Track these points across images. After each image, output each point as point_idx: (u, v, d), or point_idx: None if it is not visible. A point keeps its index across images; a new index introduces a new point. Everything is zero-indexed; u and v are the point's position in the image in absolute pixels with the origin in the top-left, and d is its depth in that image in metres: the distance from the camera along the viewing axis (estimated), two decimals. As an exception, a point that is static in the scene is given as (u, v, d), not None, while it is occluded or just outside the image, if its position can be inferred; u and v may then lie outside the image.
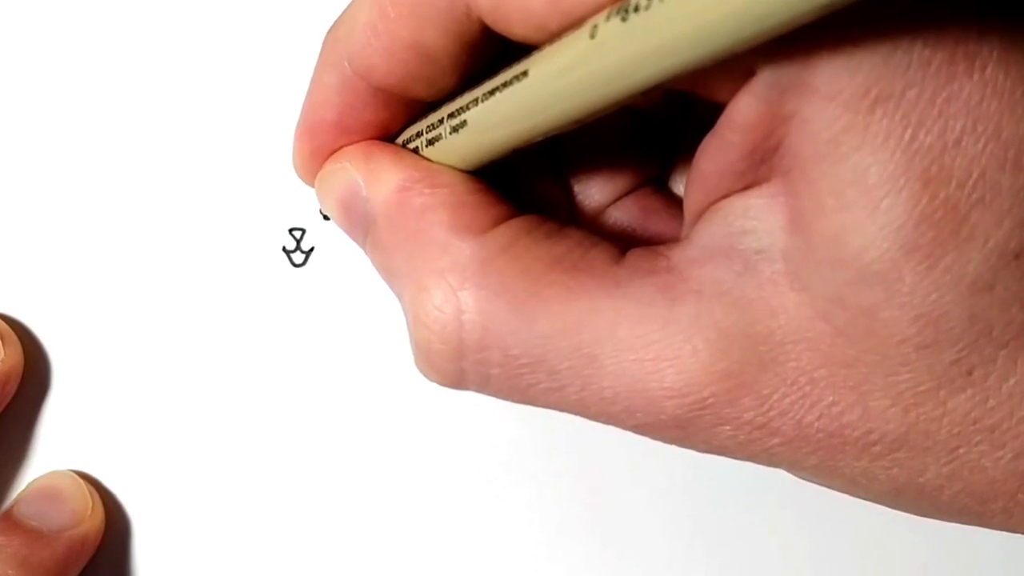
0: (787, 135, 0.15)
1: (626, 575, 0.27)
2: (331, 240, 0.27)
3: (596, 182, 0.21)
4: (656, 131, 0.21)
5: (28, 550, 0.25)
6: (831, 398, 0.15)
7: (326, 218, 0.27)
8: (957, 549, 0.27)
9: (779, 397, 0.15)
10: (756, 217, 0.16)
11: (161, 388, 0.27)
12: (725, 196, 0.16)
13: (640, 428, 0.17)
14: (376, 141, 0.19)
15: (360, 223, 0.19)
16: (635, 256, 0.17)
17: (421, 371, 0.18)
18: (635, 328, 0.16)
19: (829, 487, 0.17)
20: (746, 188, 0.16)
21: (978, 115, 0.14)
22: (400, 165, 0.18)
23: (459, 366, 0.17)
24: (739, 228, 0.16)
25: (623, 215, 0.21)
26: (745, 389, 0.15)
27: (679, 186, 0.21)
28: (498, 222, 0.17)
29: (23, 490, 0.27)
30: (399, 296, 0.18)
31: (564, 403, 0.17)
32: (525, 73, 0.16)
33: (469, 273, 0.17)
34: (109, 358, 0.27)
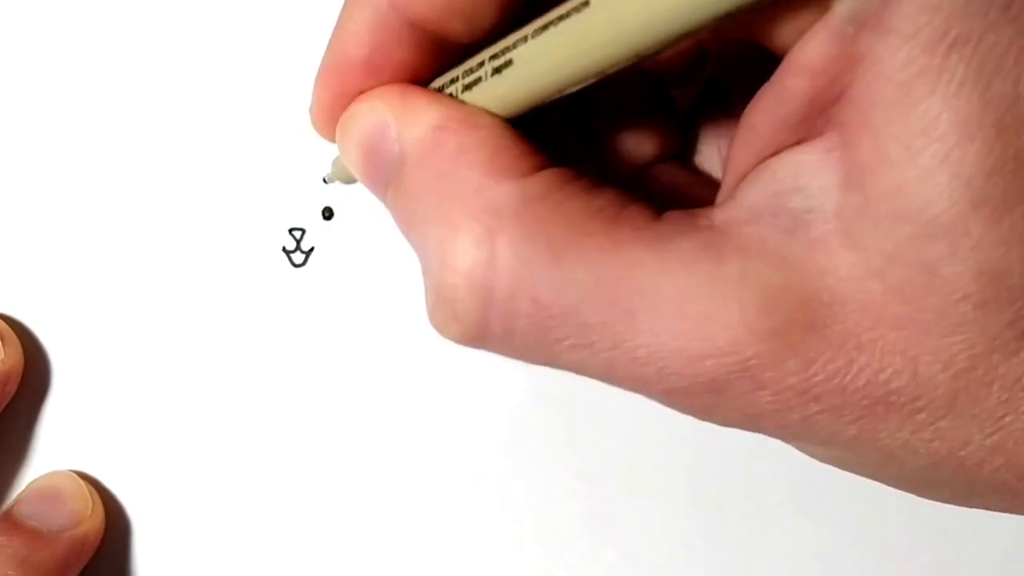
0: (854, 81, 0.14)
1: (626, 574, 0.27)
2: (331, 240, 0.27)
3: (624, 146, 0.20)
4: (678, 107, 0.21)
5: (28, 550, 0.25)
6: (879, 363, 0.15)
7: (327, 218, 0.27)
8: (958, 549, 0.27)
9: (824, 361, 0.15)
10: (807, 174, 0.15)
11: (161, 388, 0.27)
12: (774, 154, 0.16)
13: (670, 393, 0.16)
14: (410, 84, 0.18)
15: (385, 168, 0.18)
16: (674, 216, 0.16)
17: (438, 325, 0.17)
18: (678, 283, 0.15)
19: (857, 467, 0.16)
20: (798, 143, 0.15)
21: None
22: (437, 105, 0.17)
23: (485, 315, 0.16)
24: (788, 186, 0.15)
25: (650, 184, 0.20)
26: (790, 351, 0.15)
27: (703, 163, 0.21)
28: (536, 169, 0.16)
29: (23, 490, 0.27)
30: (421, 244, 0.17)
31: (591, 362, 0.16)
32: (586, 3, 0.15)
33: (506, 216, 0.16)
34: (109, 358, 0.27)
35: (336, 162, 0.25)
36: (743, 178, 0.16)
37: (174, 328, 0.27)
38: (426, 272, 0.17)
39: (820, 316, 0.15)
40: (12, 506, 0.26)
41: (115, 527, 0.27)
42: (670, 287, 0.15)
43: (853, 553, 0.27)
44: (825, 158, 0.15)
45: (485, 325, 0.16)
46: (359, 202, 0.27)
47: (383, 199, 0.18)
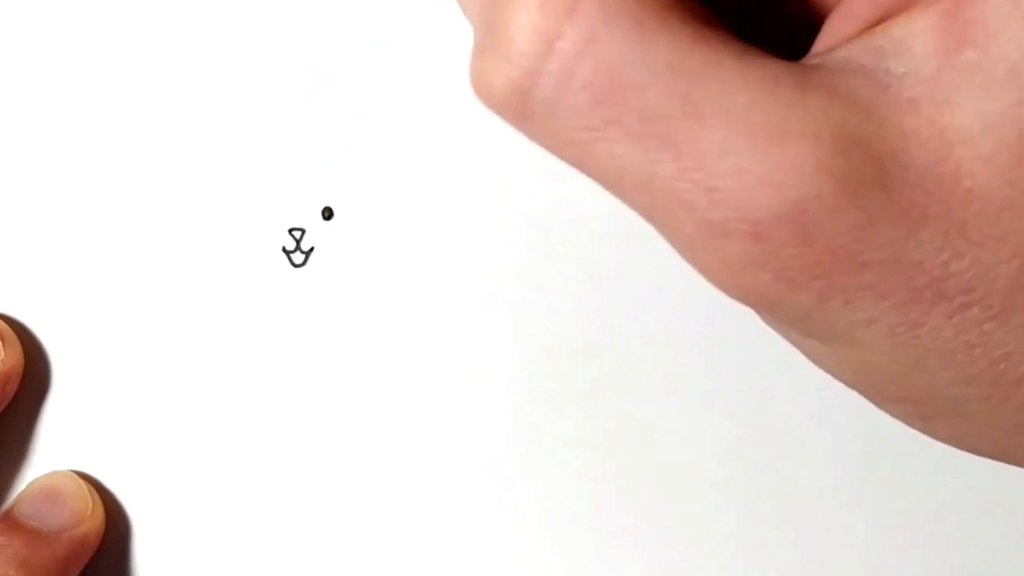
0: None
1: (633, 574, 0.27)
2: (331, 240, 0.27)
3: None
4: None
5: (28, 550, 0.25)
6: (941, 241, 0.13)
7: (327, 218, 0.27)
8: (959, 550, 0.27)
9: (886, 224, 0.13)
10: (911, 38, 0.14)
11: (161, 388, 0.27)
12: (879, 22, 0.14)
13: (703, 230, 0.14)
14: None
15: None
16: (760, 48, 0.15)
17: (479, 73, 0.15)
18: (757, 98, 0.14)
19: (874, 377, 0.15)
20: (906, 8, 0.14)
21: None
22: None
23: (539, 66, 0.14)
24: (891, 47, 0.14)
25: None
26: (853, 202, 0.13)
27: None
28: None
29: (23, 490, 0.27)
30: None
31: (630, 162, 0.14)
32: None
33: None
34: (109, 358, 0.27)
35: None
36: (843, 39, 0.15)
37: (174, 328, 0.27)
38: (476, 21, 0.15)
39: (893, 175, 0.14)
40: (12, 506, 0.26)
41: (115, 527, 0.27)
42: (747, 99, 0.14)
43: (854, 555, 0.27)
44: (933, 22, 0.14)
45: (536, 77, 0.14)
46: (359, 202, 0.27)
47: None
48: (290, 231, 0.27)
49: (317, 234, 0.27)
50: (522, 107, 0.14)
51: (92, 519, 0.26)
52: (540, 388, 0.27)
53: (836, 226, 0.13)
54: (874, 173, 0.13)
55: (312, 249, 0.27)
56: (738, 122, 0.13)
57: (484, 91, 0.15)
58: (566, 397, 0.27)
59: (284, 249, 0.27)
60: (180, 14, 0.27)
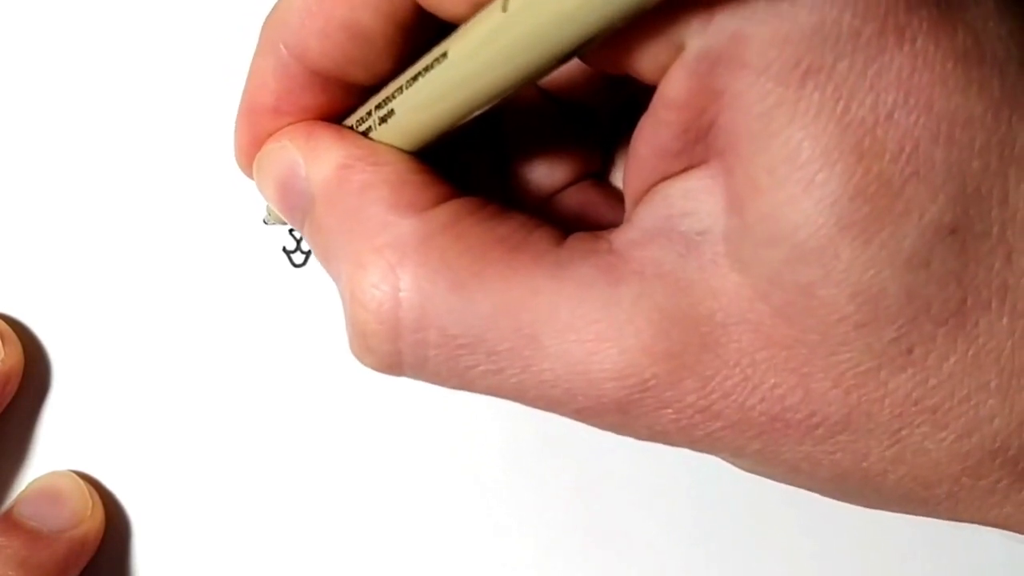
0: (720, 112, 0.14)
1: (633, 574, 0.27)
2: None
3: (537, 172, 0.20)
4: (598, 125, 0.21)
5: (28, 551, 0.25)
6: (773, 380, 0.15)
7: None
8: (958, 550, 0.27)
9: (721, 379, 0.15)
10: (695, 199, 0.15)
11: (161, 388, 0.27)
12: (664, 179, 0.16)
13: (581, 413, 0.16)
14: (318, 121, 0.19)
15: (299, 205, 0.18)
16: (576, 239, 0.17)
17: (356, 355, 0.18)
18: (576, 309, 0.15)
19: (771, 477, 0.17)
20: (684, 170, 0.16)
21: (909, 88, 0.14)
22: (342, 143, 0.18)
23: (396, 347, 0.17)
24: (679, 210, 0.16)
25: (564, 206, 0.20)
26: (687, 371, 0.15)
27: (620, 180, 0.21)
28: (440, 201, 0.17)
29: (23, 490, 0.27)
30: (336, 278, 0.18)
31: (503, 387, 0.16)
32: (444, 55, 0.16)
33: (409, 250, 0.16)
34: (109, 358, 0.27)
35: (269, 207, 0.25)
36: (639, 200, 0.16)
37: (174, 328, 0.27)
38: (343, 305, 0.17)
39: (714, 336, 0.15)
40: (12, 506, 0.26)
41: (115, 527, 0.27)
42: (568, 313, 0.15)
43: (855, 555, 0.27)
44: (710, 184, 0.15)
45: (398, 356, 0.17)
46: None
47: (301, 232, 0.19)
48: (290, 231, 0.27)
49: (317, 234, 0.27)
50: (400, 373, 0.17)
51: (92, 519, 0.27)
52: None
53: (679, 393, 0.15)
54: (697, 340, 0.15)
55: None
56: (568, 335, 0.15)
57: (367, 366, 0.17)
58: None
59: (284, 249, 0.27)
60: (180, 14, 0.27)
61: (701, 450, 0.16)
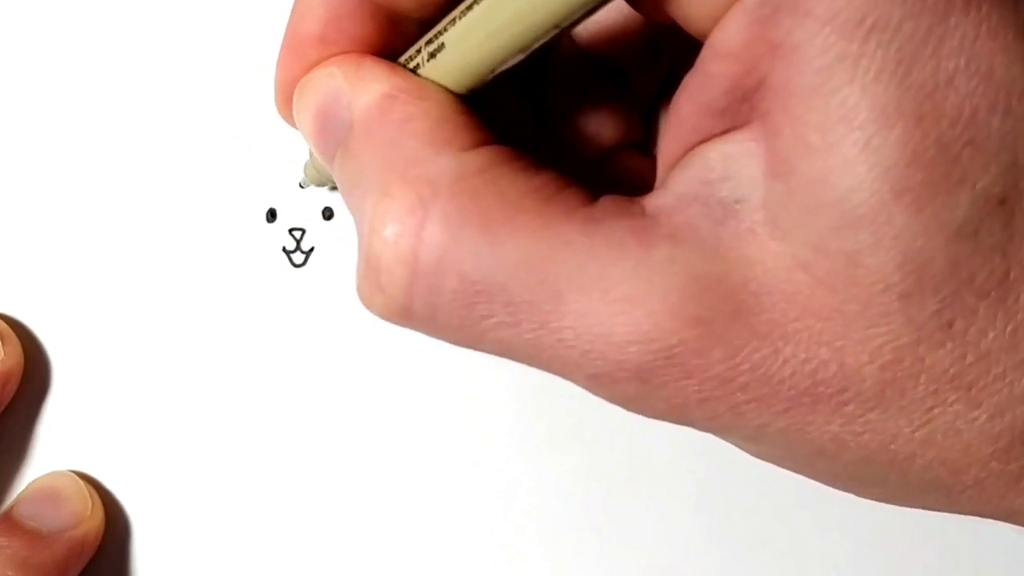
0: (773, 68, 0.14)
1: (630, 572, 0.27)
2: (331, 240, 0.27)
3: (577, 135, 0.20)
4: (640, 96, 0.21)
5: (28, 551, 0.25)
6: (805, 353, 0.14)
7: (327, 218, 0.27)
8: (958, 549, 0.27)
9: (750, 350, 0.15)
10: (735, 163, 0.15)
11: (161, 388, 0.27)
12: (703, 142, 0.16)
13: (595, 380, 0.15)
14: (367, 54, 0.18)
15: (335, 135, 0.18)
16: (609, 200, 0.16)
17: (363, 296, 0.17)
18: (606, 267, 0.15)
19: (789, 462, 0.16)
20: (725, 132, 0.15)
21: (972, 54, 0.13)
22: (390, 75, 0.17)
23: (409, 287, 0.16)
24: (718, 175, 0.15)
25: (600, 171, 0.20)
26: (715, 339, 0.15)
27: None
28: (478, 145, 0.16)
29: (23, 490, 0.27)
30: (358, 210, 0.17)
31: (516, 343, 0.16)
32: None
33: (441, 186, 0.15)
34: (109, 358, 0.27)
35: (307, 166, 0.25)
36: (675, 164, 0.16)
37: (174, 328, 0.27)
38: (359, 239, 0.17)
39: (747, 305, 0.15)
40: (12, 506, 0.26)
41: (115, 527, 0.27)
42: (597, 270, 0.15)
43: (857, 556, 0.27)
44: (751, 148, 0.15)
45: (409, 298, 0.16)
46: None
47: (331, 166, 0.18)
48: (290, 231, 0.27)
49: (317, 234, 0.27)
50: (408, 320, 0.16)
51: (91, 520, 0.26)
52: (541, 387, 0.27)
53: (706, 362, 0.15)
54: (728, 308, 0.14)
55: (312, 249, 0.27)
56: (593, 293, 0.15)
57: (373, 311, 0.17)
58: (568, 397, 0.27)
59: (284, 249, 0.27)
60: (180, 15, 0.27)
61: (718, 429, 0.16)
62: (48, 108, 0.27)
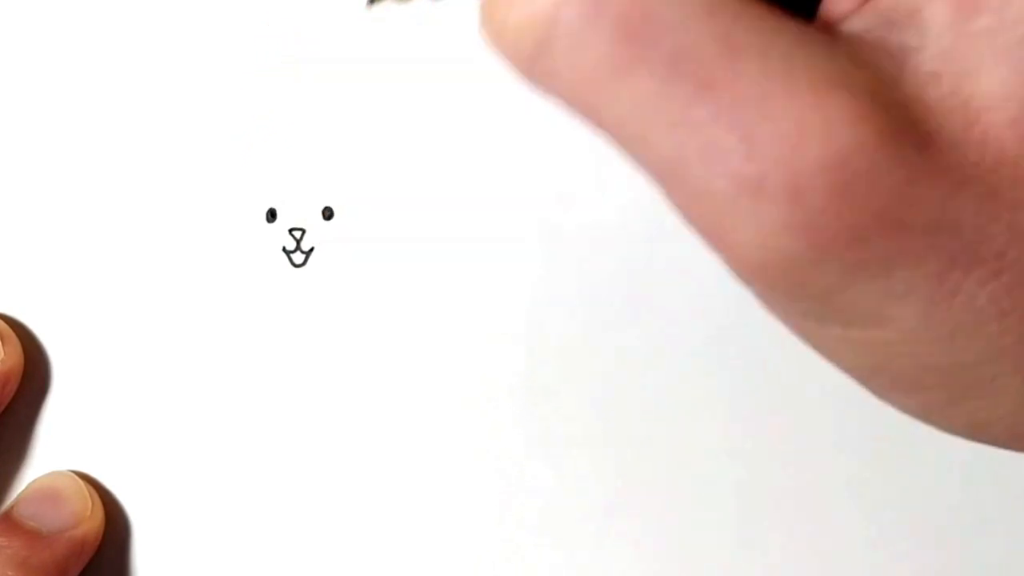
0: None
1: (640, 573, 0.27)
2: (331, 240, 0.27)
3: None
4: None
5: (28, 551, 0.25)
6: (976, 205, 0.13)
7: (327, 218, 0.27)
8: (959, 549, 0.27)
9: (925, 185, 0.13)
10: (923, 9, 0.13)
11: (161, 388, 0.27)
12: None
13: (739, 184, 0.13)
14: None
15: None
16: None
17: (495, 3, 0.14)
18: (795, 46, 0.13)
19: (914, 345, 0.14)
20: None
21: None
22: None
23: None
24: (901, 23, 0.14)
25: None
26: (895, 157, 0.13)
27: None
28: None
29: (23, 490, 0.27)
30: None
31: (658, 111, 0.13)
32: None
33: None
34: (109, 358, 0.27)
35: None
36: (853, 6, 0.14)
37: (174, 328, 0.27)
38: None
39: (927, 137, 0.13)
40: (12, 506, 0.26)
41: (115, 527, 0.27)
42: (784, 45, 0.13)
43: (862, 556, 0.27)
44: None
45: (558, 8, 0.13)
46: (359, 202, 0.27)
47: None
48: (290, 231, 0.27)
49: (317, 234, 0.27)
50: (540, 43, 0.13)
51: (91, 520, 0.26)
52: (545, 388, 0.27)
53: (878, 183, 0.13)
54: (911, 132, 0.13)
55: (312, 249, 0.27)
56: (778, 68, 0.13)
57: (497, 27, 0.14)
58: (570, 398, 0.27)
59: (284, 249, 0.27)
60: (181, 15, 0.27)
61: (849, 285, 0.13)
62: (48, 108, 0.27)
